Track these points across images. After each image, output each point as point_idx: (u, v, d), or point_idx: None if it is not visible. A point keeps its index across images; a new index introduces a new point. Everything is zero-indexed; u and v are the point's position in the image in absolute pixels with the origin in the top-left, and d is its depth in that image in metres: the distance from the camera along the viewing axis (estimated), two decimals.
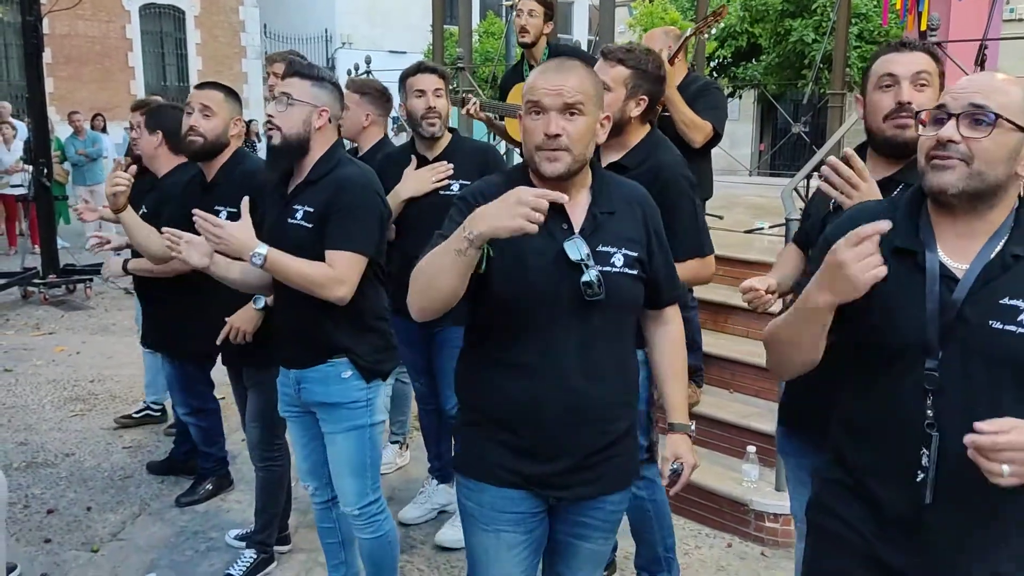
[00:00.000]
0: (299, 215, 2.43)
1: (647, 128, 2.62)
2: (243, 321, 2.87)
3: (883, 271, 1.38)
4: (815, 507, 1.69)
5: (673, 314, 2.06)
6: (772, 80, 13.89)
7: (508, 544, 1.92)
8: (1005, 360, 1.43)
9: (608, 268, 1.81)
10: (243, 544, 3.31)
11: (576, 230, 1.82)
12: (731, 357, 4.19)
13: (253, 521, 3.28)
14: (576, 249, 1.79)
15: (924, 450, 1.47)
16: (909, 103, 2.00)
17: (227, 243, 2.28)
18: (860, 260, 1.38)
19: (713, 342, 4.28)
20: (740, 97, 15.66)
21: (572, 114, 1.77)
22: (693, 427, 2.08)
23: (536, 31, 3.97)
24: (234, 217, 2.76)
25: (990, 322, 1.43)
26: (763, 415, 3.81)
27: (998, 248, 1.47)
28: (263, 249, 2.28)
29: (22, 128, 10.24)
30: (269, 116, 2.43)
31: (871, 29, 12.07)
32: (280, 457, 3.14)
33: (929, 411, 1.47)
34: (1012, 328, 1.42)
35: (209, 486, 3.86)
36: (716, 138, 3.63)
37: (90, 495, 3.88)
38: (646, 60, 2.53)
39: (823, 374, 1.64)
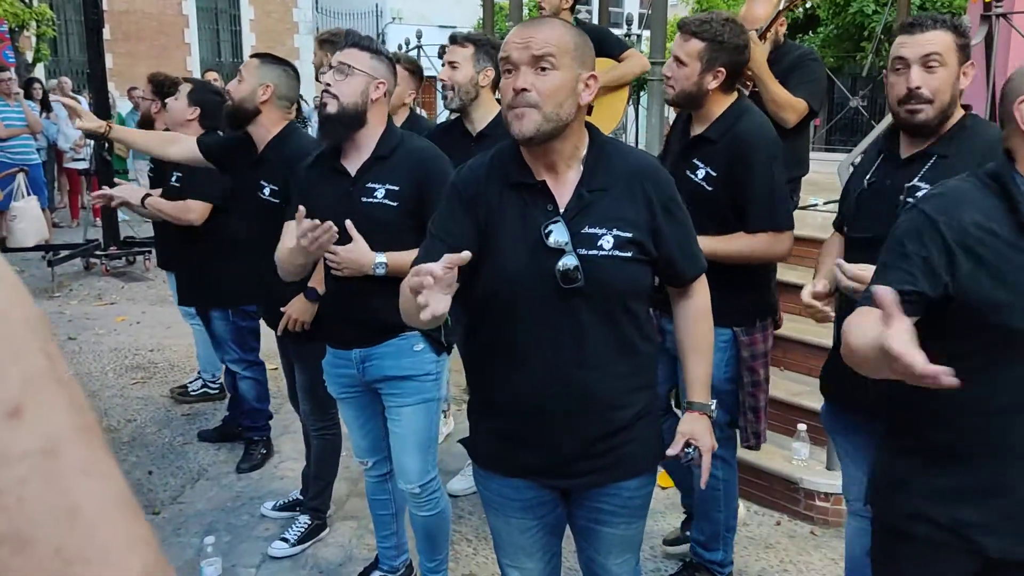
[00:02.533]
0: (380, 194, 2.38)
1: (732, 97, 2.56)
2: (299, 312, 2.88)
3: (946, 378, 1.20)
4: (912, 516, 1.59)
5: (698, 287, 1.91)
6: (830, 53, 13.54)
7: (520, 528, 1.93)
8: None
9: (594, 252, 1.69)
10: (280, 515, 3.41)
11: (561, 211, 1.71)
12: (781, 335, 4.13)
13: (290, 492, 3.38)
14: (557, 233, 1.69)
15: None
16: (918, 88, 2.00)
17: (348, 267, 2.32)
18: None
19: None
20: None
21: (543, 68, 1.64)
22: (714, 406, 1.92)
23: (553, 8, 3.88)
24: (276, 194, 2.88)
25: None
26: (814, 393, 3.74)
27: None
28: (383, 258, 2.31)
29: (84, 103, 10.50)
30: (327, 84, 2.39)
31: (934, 0, 11.67)
32: (334, 426, 3.21)
33: None
34: None
35: (263, 449, 3.98)
36: (812, 114, 3.44)
37: (151, 460, 4.02)
38: (722, 30, 2.46)
39: None
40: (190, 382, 4.86)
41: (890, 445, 1.67)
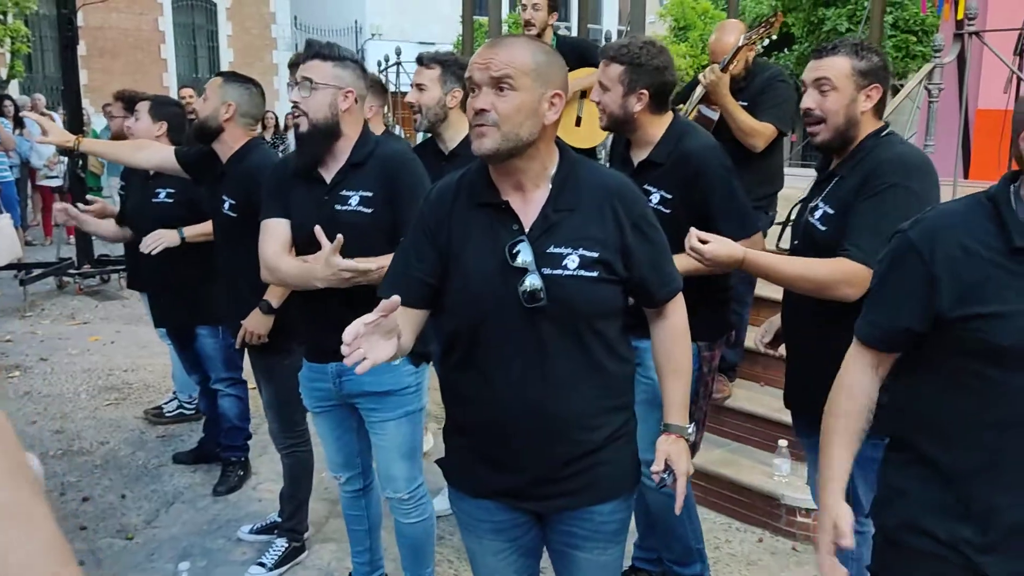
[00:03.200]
0: (354, 201, 2.36)
1: (667, 118, 2.58)
2: (256, 325, 2.92)
3: None
4: (906, 530, 1.59)
5: (673, 307, 1.87)
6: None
7: (492, 550, 1.90)
8: None
9: (559, 271, 1.67)
10: (258, 538, 3.36)
11: (526, 230, 1.70)
12: (762, 350, 4.14)
13: (268, 514, 3.35)
14: (523, 253, 1.68)
15: None
16: (809, 108, 2.16)
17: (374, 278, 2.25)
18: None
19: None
20: None
21: (502, 88, 1.64)
22: (691, 430, 1.88)
23: (541, 23, 4.00)
24: (234, 208, 2.96)
25: None
26: None
27: None
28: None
29: (57, 120, 10.39)
30: (294, 102, 2.37)
31: (906, 18, 11.87)
32: (303, 443, 3.18)
33: None
34: None
35: (240, 471, 3.92)
36: (782, 135, 3.56)
37: (124, 483, 3.94)
38: (639, 52, 2.48)
39: (830, 359, 1.72)
40: (165, 403, 4.79)
41: (892, 457, 1.67)
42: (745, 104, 3.53)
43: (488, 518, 1.86)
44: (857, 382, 1.66)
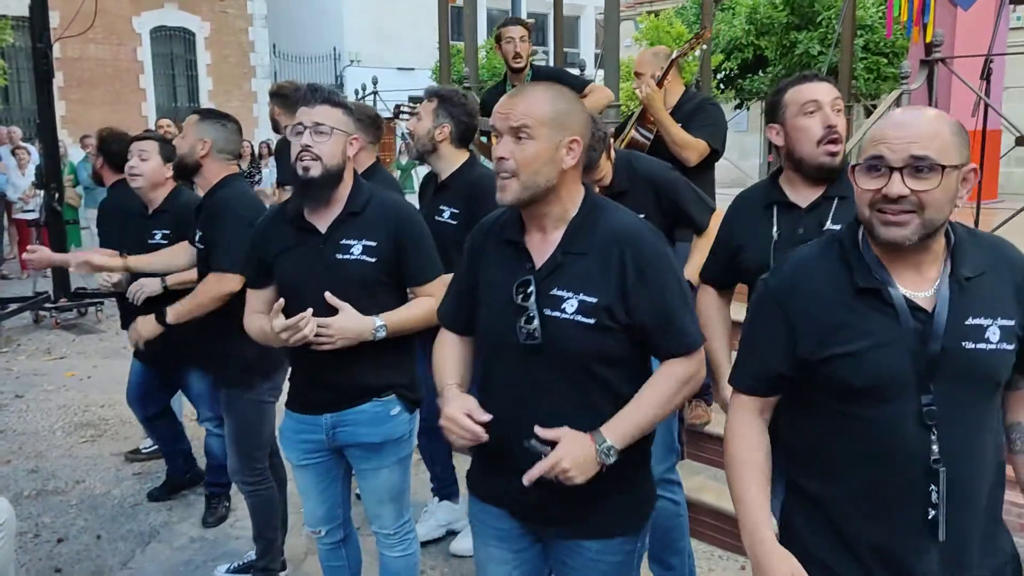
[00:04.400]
0: (356, 250, 2.33)
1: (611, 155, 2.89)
2: (147, 331, 3.15)
3: None
4: (799, 558, 1.61)
5: (683, 361, 1.79)
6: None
7: (496, 559, 1.95)
8: (981, 377, 1.49)
9: (556, 313, 1.73)
10: None
11: (536, 270, 1.78)
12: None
13: (245, 552, 3.34)
14: (525, 292, 1.76)
15: (933, 486, 1.46)
16: (834, 126, 2.18)
17: (344, 337, 2.27)
18: None
19: None
20: (748, 109, 15.68)
21: (520, 137, 1.72)
22: (612, 457, 1.71)
23: (527, 54, 4.11)
24: (202, 240, 3.06)
25: (963, 344, 1.47)
26: None
27: (948, 272, 1.51)
28: (381, 321, 2.30)
29: (34, 153, 10.34)
30: (307, 145, 2.29)
31: (876, 41, 12.04)
32: (264, 480, 3.15)
33: (934, 446, 1.47)
34: (983, 346, 1.48)
35: (227, 503, 3.90)
36: (715, 154, 3.71)
37: (100, 523, 3.88)
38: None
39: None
40: (142, 439, 4.73)
41: (787, 496, 1.71)
42: (679, 125, 3.69)
43: (494, 524, 1.93)
44: (748, 429, 1.68)
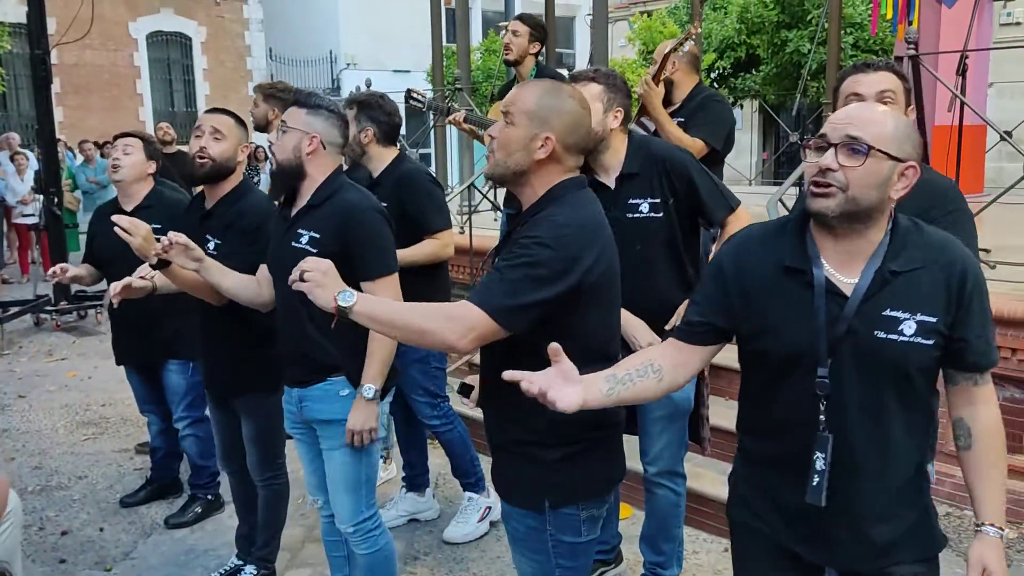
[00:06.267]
0: (304, 240, 2.49)
1: (626, 135, 2.76)
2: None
3: None
4: (735, 504, 1.84)
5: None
6: (771, 90, 13.98)
7: None
8: (888, 366, 1.59)
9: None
10: None
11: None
12: (727, 366, 4.25)
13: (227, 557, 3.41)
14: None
15: (819, 453, 1.62)
16: None
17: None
18: None
19: None
20: (742, 107, 15.82)
21: (507, 123, 1.92)
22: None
23: (519, 50, 4.11)
24: (219, 247, 2.94)
25: (875, 332, 1.59)
26: None
27: (878, 265, 1.61)
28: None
29: (32, 159, 10.44)
30: (269, 143, 2.59)
31: (866, 38, 12.16)
32: (281, 475, 3.22)
33: (822, 416, 1.61)
34: (894, 337, 1.58)
35: (199, 508, 3.93)
36: (715, 152, 3.61)
37: (102, 516, 3.98)
38: (614, 76, 2.74)
39: None
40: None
41: (738, 444, 1.89)
42: (682, 120, 3.65)
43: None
44: (652, 352, 1.83)
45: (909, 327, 1.58)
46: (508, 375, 1.60)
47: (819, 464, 1.61)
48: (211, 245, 2.95)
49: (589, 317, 1.90)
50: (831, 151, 1.57)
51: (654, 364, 1.75)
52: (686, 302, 2.37)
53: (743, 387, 1.82)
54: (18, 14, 11.97)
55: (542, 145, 1.88)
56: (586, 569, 2.09)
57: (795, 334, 1.62)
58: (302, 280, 1.81)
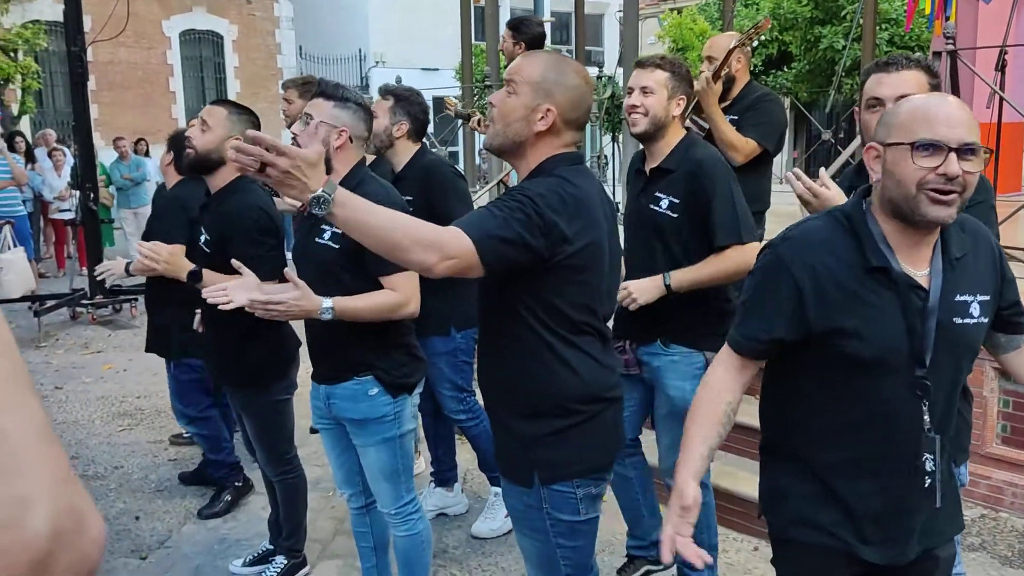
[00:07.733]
0: (326, 235, 2.47)
1: (682, 131, 2.76)
2: (174, 266, 2.91)
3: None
4: (792, 522, 1.72)
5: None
6: (803, 88, 13.85)
7: None
8: (966, 350, 1.64)
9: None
10: (251, 571, 3.40)
11: None
12: None
13: (258, 545, 3.46)
14: None
15: (927, 455, 1.59)
16: None
17: (294, 313, 2.35)
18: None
19: None
20: None
21: (509, 92, 1.91)
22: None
23: (508, 55, 4.23)
24: (209, 244, 2.93)
25: (954, 319, 1.60)
26: None
27: (940, 253, 1.61)
28: (328, 303, 2.34)
29: (68, 155, 10.61)
30: (294, 135, 2.49)
31: (902, 34, 12.00)
32: (293, 469, 3.24)
33: (926, 415, 1.59)
34: (969, 321, 1.62)
35: (228, 497, 3.98)
36: (767, 153, 3.55)
37: (138, 505, 4.05)
38: (679, 64, 2.73)
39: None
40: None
41: (768, 460, 1.81)
42: (734, 119, 3.58)
43: None
44: (720, 380, 1.75)
45: (976, 309, 1.63)
46: None
47: (928, 465, 1.60)
48: (202, 240, 3.00)
49: (567, 290, 1.87)
50: (952, 156, 1.50)
51: (731, 403, 1.73)
52: (654, 278, 2.61)
53: (794, 396, 1.73)
54: (55, 12, 12.15)
55: (542, 117, 1.87)
56: (589, 549, 2.09)
57: (886, 334, 1.59)
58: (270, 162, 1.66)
